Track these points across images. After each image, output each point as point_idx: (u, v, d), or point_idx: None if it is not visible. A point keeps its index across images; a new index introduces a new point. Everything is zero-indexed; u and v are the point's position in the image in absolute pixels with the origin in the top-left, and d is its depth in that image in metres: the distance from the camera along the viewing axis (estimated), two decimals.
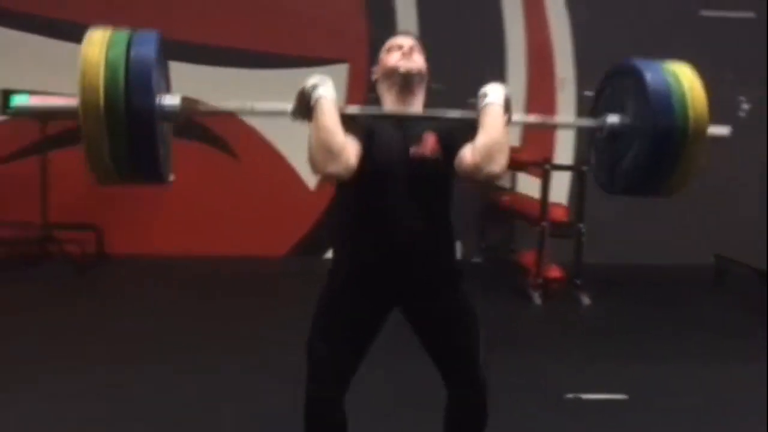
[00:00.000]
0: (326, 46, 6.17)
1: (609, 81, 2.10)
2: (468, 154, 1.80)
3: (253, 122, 6.17)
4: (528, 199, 5.53)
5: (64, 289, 4.98)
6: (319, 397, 1.98)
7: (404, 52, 1.96)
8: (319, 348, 1.97)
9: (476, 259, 6.38)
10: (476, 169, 1.78)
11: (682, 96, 1.85)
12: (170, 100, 1.81)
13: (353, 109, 1.94)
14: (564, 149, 6.38)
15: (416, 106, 1.99)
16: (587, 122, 2.10)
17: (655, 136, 1.84)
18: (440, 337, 2.03)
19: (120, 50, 1.66)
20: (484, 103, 1.85)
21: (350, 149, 1.77)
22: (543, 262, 4.93)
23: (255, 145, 6.20)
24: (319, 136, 1.74)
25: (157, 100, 1.72)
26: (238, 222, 6.23)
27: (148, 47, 1.70)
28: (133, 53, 1.66)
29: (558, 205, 5.04)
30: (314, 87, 1.79)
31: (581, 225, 5.00)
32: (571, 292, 4.99)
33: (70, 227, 5.61)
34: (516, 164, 5.94)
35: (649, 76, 1.88)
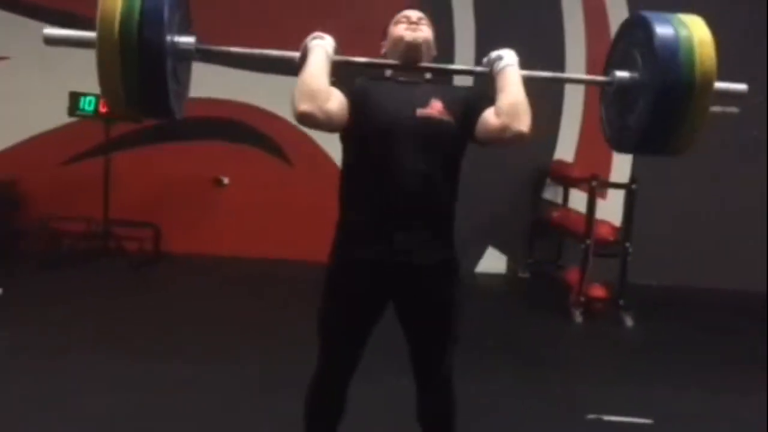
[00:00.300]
0: (379, 50, 6.24)
1: (622, 35, 2.06)
2: (492, 116, 1.84)
3: (308, 130, 6.28)
4: (578, 215, 5.46)
5: (120, 284, 5.21)
6: (324, 386, 2.08)
7: (411, 22, 2.01)
8: (326, 328, 2.05)
9: (523, 274, 6.35)
10: (503, 129, 1.80)
11: (690, 49, 1.81)
12: (185, 39, 1.91)
13: (359, 60, 2.01)
14: (621, 167, 6.28)
15: (422, 76, 2.04)
16: (596, 78, 2.10)
17: (660, 89, 1.82)
18: (423, 324, 2.04)
19: None
20: (501, 66, 1.89)
21: (330, 95, 1.81)
22: (586, 280, 4.86)
23: (308, 153, 6.32)
24: (301, 77, 1.81)
25: (172, 38, 1.83)
26: (289, 226, 6.37)
27: None
28: None
29: (605, 222, 4.95)
30: (313, 38, 1.90)
31: (627, 244, 4.89)
32: (615, 313, 4.90)
33: (131, 225, 5.88)
34: (567, 180, 5.92)
35: (656, 28, 1.85)
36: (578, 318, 4.82)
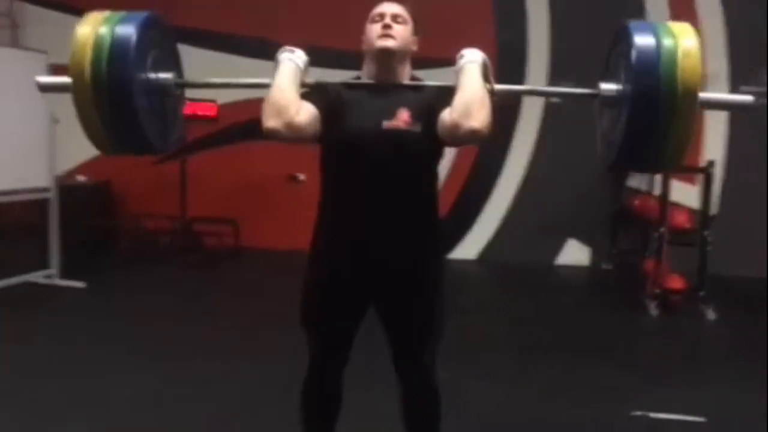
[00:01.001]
0: (451, 48, 6.14)
1: (613, 45, 1.93)
2: (447, 113, 1.76)
3: None
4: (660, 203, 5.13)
5: (199, 278, 5.45)
6: (315, 380, 2.06)
7: (384, 25, 1.91)
8: (311, 332, 2.03)
9: (606, 266, 6.05)
10: (455, 126, 1.72)
11: (672, 60, 1.66)
12: (163, 75, 1.94)
13: (334, 82, 1.97)
14: (714, 151, 5.83)
15: (397, 78, 1.95)
16: (579, 91, 1.95)
17: (636, 102, 1.69)
18: (404, 325, 2.01)
19: (107, 29, 1.79)
20: (460, 64, 1.81)
21: (297, 109, 1.78)
22: (662, 271, 4.56)
23: None
24: (270, 93, 1.80)
25: (146, 75, 1.86)
26: None
27: (130, 27, 1.81)
28: (116, 31, 1.79)
29: (683, 210, 4.62)
30: (282, 52, 1.88)
31: (706, 232, 4.54)
32: (696, 306, 4.56)
33: (211, 221, 6.14)
34: None
35: (636, 38, 1.72)
36: (653, 311, 4.53)
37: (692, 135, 1.74)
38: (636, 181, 5.95)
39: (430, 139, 1.83)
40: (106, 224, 6.17)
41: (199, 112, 5.63)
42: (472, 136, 1.73)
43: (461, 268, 6.25)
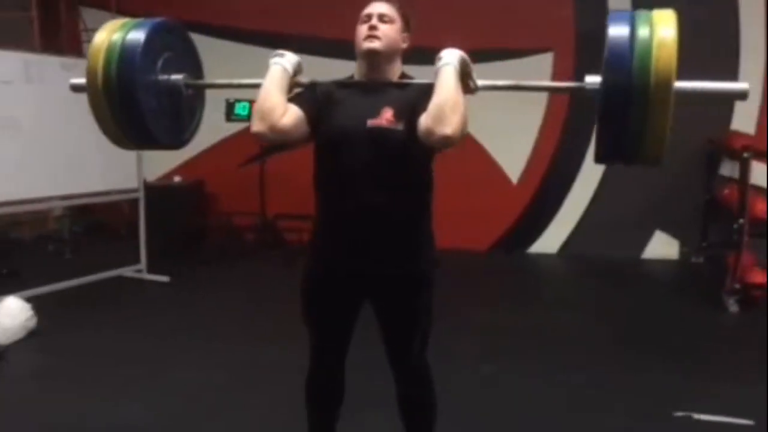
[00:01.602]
0: (530, 36, 6.03)
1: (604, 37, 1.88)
2: (423, 117, 1.77)
3: None
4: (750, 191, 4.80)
5: (279, 272, 5.66)
6: (315, 372, 2.14)
7: (370, 26, 1.95)
8: (310, 327, 2.11)
9: (696, 259, 5.73)
10: (428, 132, 1.74)
11: (647, 50, 1.61)
12: (174, 76, 2.07)
13: (325, 81, 2.03)
14: None
15: (386, 76, 1.98)
16: (564, 84, 1.91)
17: (609, 93, 1.64)
18: (391, 323, 2.05)
19: (119, 36, 1.95)
20: (438, 66, 1.81)
21: (282, 113, 1.86)
22: (743, 264, 4.27)
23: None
24: (258, 97, 1.89)
25: (157, 77, 2.00)
26: (441, 215, 6.36)
27: (138, 32, 1.95)
28: (125, 37, 1.95)
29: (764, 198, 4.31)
30: (273, 56, 1.96)
31: None
32: None
33: (291, 218, 6.37)
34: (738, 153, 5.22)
35: (610, 28, 1.67)
36: (732, 307, 4.26)
37: (669, 127, 1.67)
38: (728, 168, 5.59)
39: (413, 138, 1.83)
40: (197, 222, 6.54)
41: None
42: (445, 141, 1.74)
43: (541, 262, 6.14)
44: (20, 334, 3.70)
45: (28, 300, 3.97)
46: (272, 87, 1.90)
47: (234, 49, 6.56)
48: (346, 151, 1.93)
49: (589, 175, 6.11)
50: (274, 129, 1.86)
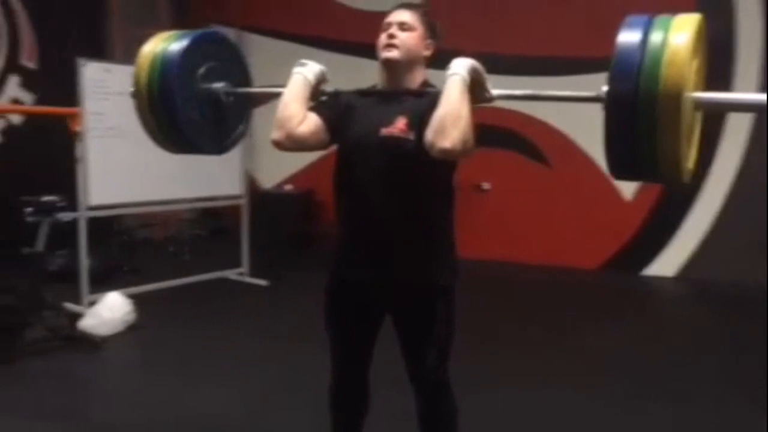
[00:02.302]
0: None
1: None
2: (426, 130, 1.74)
3: (567, 129, 6.08)
4: None
5: None
6: (336, 381, 2.13)
7: (389, 34, 1.92)
8: (330, 336, 2.10)
9: None
10: (430, 146, 1.71)
11: (657, 56, 1.47)
12: (215, 85, 2.14)
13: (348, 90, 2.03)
14: None
15: (405, 85, 1.95)
16: (581, 94, 1.76)
17: (614, 104, 1.52)
18: (406, 334, 1.99)
19: (162, 47, 2.06)
20: (446, 75, 1.76)
21: (299, 121, 1.88)
22: None
23: (568, 154, 6.09)
24: (278, 106, 1.91)
25: (197, 86, 2.08)
26: (550, 231, 6.21)
27: (178, 44, 2.05)
28: (166, 49, 2.05)
29: None
30: (297, 65, 1.98)
31: None
32: None
33: None
34: None
35: (621, 33, 1.54)
36: None
37: (684, 142, 1.51)
38: None
39: (422, 147, 1.78)
40: (304, 229, 6.74)
41: None
42: (444, 155, 1.71)
43: (656, 285, 5.75)
44: (119, 327, 3.99)
45: (136, 296, 4.29)
46: (291, 96, 1.92)
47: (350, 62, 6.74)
48: (361, 159, 1.92)
49: (714, 190, 5.64)
50: (291, 137, 1.89)
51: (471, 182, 6.38)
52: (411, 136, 1.84)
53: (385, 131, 1.88)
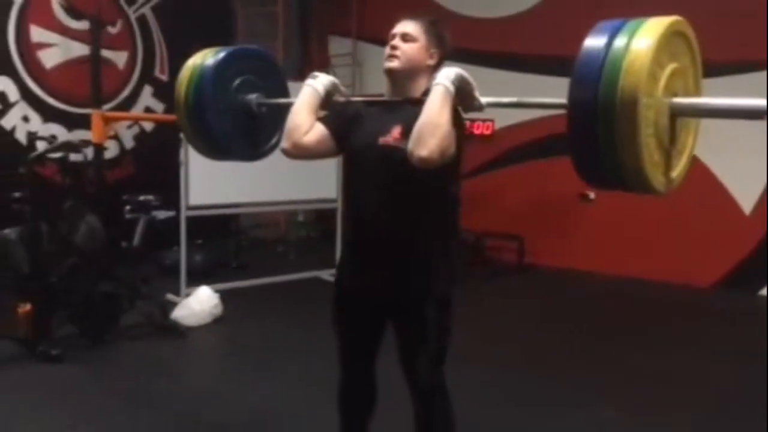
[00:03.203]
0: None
1: None
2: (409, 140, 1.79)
3: None
4: None
5: (479, 289, 5.67)
6: (343, 381, 2.21)
7: (392, 45, 1.99)
8: (336, 337, 2.18)
9: None
10: (410, 154, 1.75)
11: (618, 61, 1.43)
12: (253, 98, 2.29)
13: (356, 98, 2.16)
14: None
15: (408, 94, 1.99)
16: (557, 101, 1.71)
17: (572, 110, 1.50)
18: (401, 340, 2.03)
19: (200, 62, 2.24)
20: (432, 84, 1.80)
21: (305, 131, 1.98)
22: None
23: None
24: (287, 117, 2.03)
25: (231, 98, 2.24)
26: (660, 245, 5.89)
27: (213, 59, 2.22)
28: (202, 64, 2.23)
29: None
30: (309, 77, 2.08)
31: None
32: None
33: (499, 237, 6.34)
34: None
35: (587, 39, 1.51)
36: None
37: (647, 152, 1.45)
38: None
39: None
40: None
41: (476, 131, 5.90)
42: (422, 164, 1.74)
43: None
44: (207, 319, 4.29)
45: (234, 290, 4.65)
46: (299, 107, 2.03)
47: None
48: (362, 167, 2.00)
49: None
50: (297, 146, 2.00)
51: (577, 191, 6.18)
52: (404, 144, 1.85)
53: (382, 140, 1.94)
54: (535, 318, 4.93)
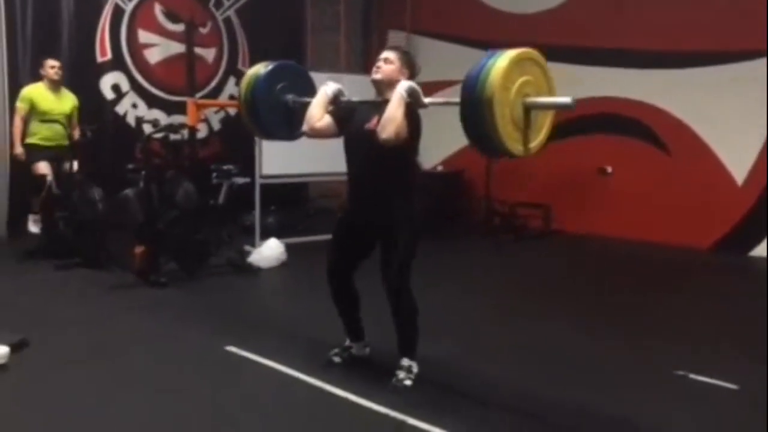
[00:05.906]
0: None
1: None
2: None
3: (687, 118, 6.48)
4: None
5: (513, 251, 6.64)
6: (329, 269, 3.27)
7: (377, 66, 3.05)
8: (333, 236, 3.27)
9: None
10: (377, 135, 2.84)
11: (487, 73, 2.43)
12: (290, 97, 3.36)
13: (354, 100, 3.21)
14: None
15: (387, 97, 2.96)
16: (453, 100, 2.64)
17: (462, 105, 2.51)
18: (381, 250, 3.09)
19: (257, 69, 3.36)
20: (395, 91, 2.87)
21: (318, 119, 3.09)
22: None
23: (687, 143, 6.50)
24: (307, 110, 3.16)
25: (280, 96, 3.33)
26: (667, 212, 6.63)
27: (265, 68, 3.33)
28: (258, 71, 3.34)
29: None
30: (323, 85, 3.18)
31: None
32: None
33: (529, 206, 7.26)
34: None
35: (475, 63, 2.51)
36: None
37: (505, 131, 2.46)
38: None
39: None
40: (451, 206, 7.78)
41: None
42: (385, 143, 2.83)
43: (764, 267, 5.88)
44: (274, 263, 5.49)
45: (296, 244, 5.83)
46: (315, 104, 3.15)
47: None
48: (354, 144, 3.10)
49: None
50: (312, 129, 3.14)
51: (597, 166, 7.01)
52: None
53: (366, 126, 3.00)
54: (562, 273, 5.80)
